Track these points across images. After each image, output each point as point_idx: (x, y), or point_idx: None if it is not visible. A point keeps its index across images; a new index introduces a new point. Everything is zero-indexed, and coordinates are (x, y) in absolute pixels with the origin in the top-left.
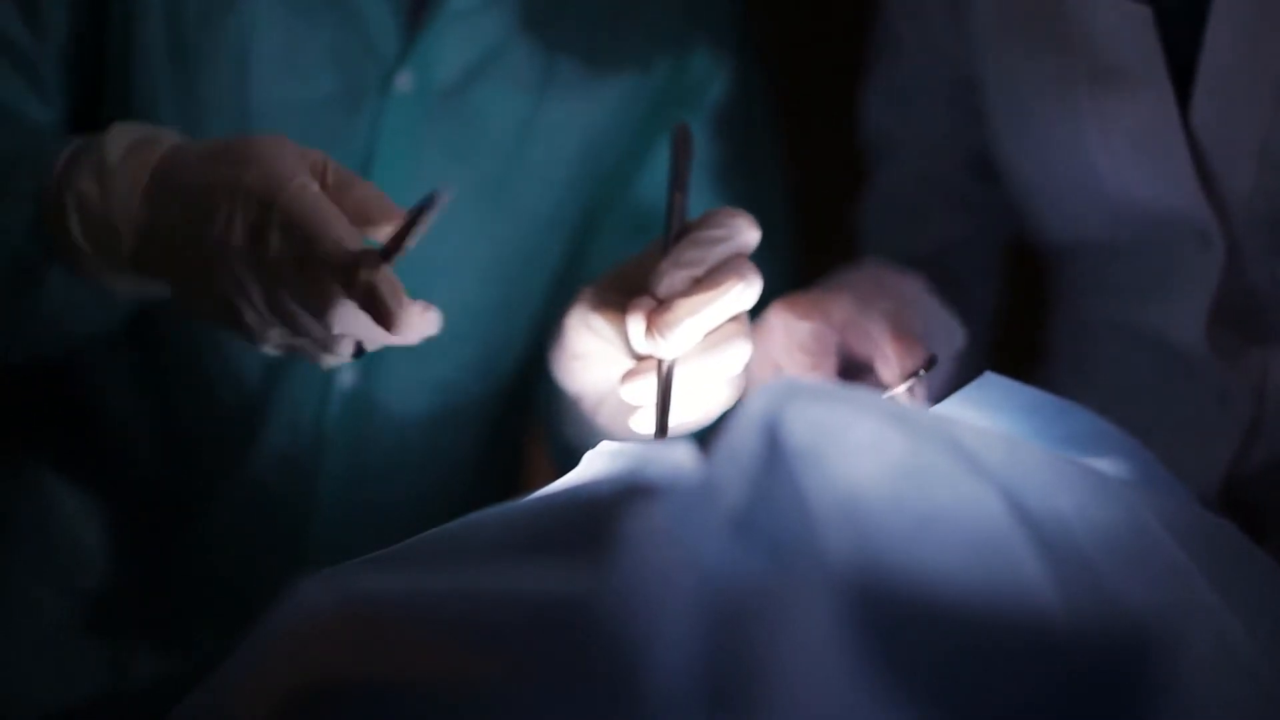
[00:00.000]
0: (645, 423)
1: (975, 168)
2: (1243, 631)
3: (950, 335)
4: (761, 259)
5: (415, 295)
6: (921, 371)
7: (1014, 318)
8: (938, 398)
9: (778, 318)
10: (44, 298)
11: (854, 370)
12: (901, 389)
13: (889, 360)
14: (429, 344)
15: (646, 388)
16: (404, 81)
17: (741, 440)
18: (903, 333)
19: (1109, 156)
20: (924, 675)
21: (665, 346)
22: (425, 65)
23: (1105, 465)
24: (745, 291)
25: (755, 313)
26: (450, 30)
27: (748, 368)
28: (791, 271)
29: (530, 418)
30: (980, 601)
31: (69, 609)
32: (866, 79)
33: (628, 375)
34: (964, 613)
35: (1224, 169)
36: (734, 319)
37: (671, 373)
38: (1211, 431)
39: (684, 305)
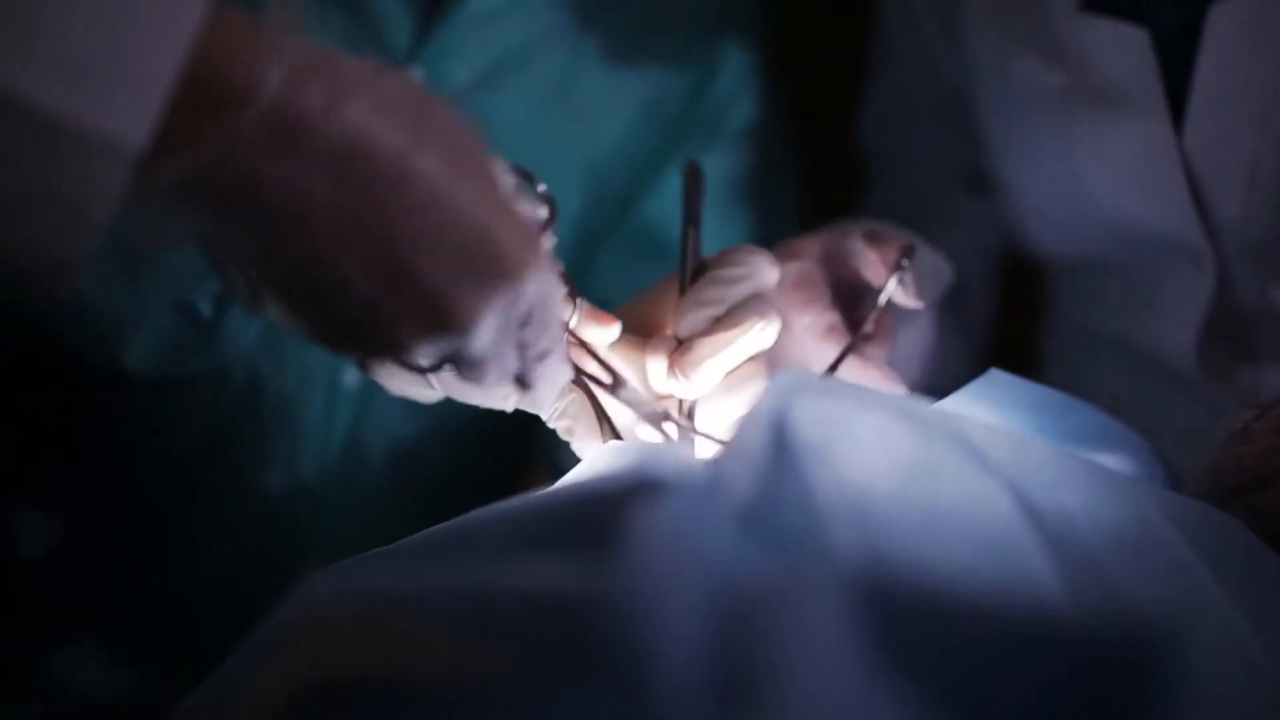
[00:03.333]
0: None
1: (970, 183)
2: (1250, 628)
3: (938, 273)
4: None
5: None
6: (905, 261)
7: (1007, 326)
8: (941, 395)
9: None
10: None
11: (848, 293)
12: (891, 284)
13: (871, 262)
14: None
15: (671, 429)
16: (414, 78)
17: (749, 436)
18: (875, 234)
19: (1104, 177)
20: (931, 670)
21: (688, 386)
22: (437, 64)
23: (1111, 461)
24: (765, 330)
25: None
26: (466, 31)
27: None
28: None
29: (529, 430)
30: (987, 597)
31: (60, 608)
32: (863, 95)
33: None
34: (971, 608)
35: (1215, 193)
36: (752, 358)
37: (693, 412)
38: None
39: (706, 345)
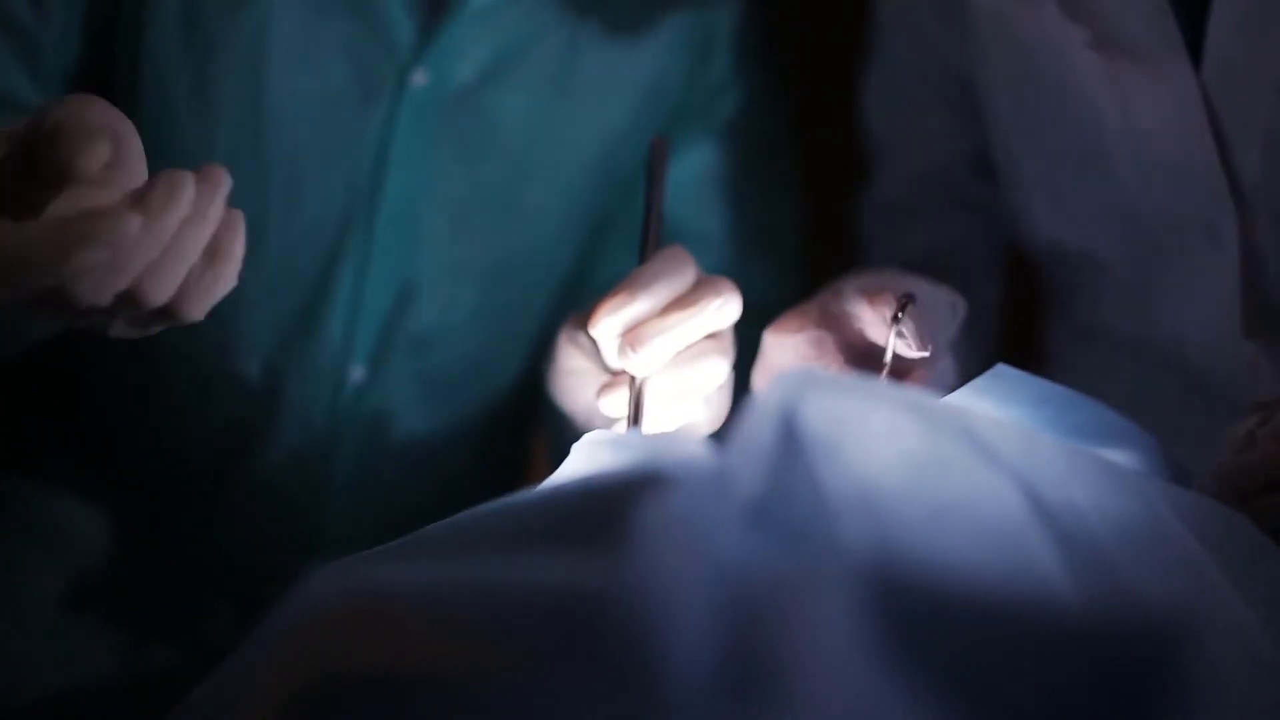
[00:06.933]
0: None
1: (973, 167)
2: (1258, 623)
3: (953, 308)
4: (772, 270)
5: (419, 293)
6: (900, 314)
7: (1013, 320)
8: (950, 387)
9: (767, 342)
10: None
11: (860, 357)
12: (890, 336)
13: (870, 322)
14: (433, 341)
15: (621, 401)
16: (420, 78)
17: (757, 431)
18: (870, 290)
19: (1129, 139)
20: (941, 665)
21: (636, 362)
22: (442, 63)
23: (1117, 456)
24: (722, 309)
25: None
26: (468, 29)
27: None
28: (801, 282)
29: (534, 421)
30: (997, 592)
31: (78, 599)
32: (862, 79)
33: (603, 389)
34: (981, 603)
35: (1232, 159)
36: (712, 336)
37: (643, 388)
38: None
39: (656, 323)
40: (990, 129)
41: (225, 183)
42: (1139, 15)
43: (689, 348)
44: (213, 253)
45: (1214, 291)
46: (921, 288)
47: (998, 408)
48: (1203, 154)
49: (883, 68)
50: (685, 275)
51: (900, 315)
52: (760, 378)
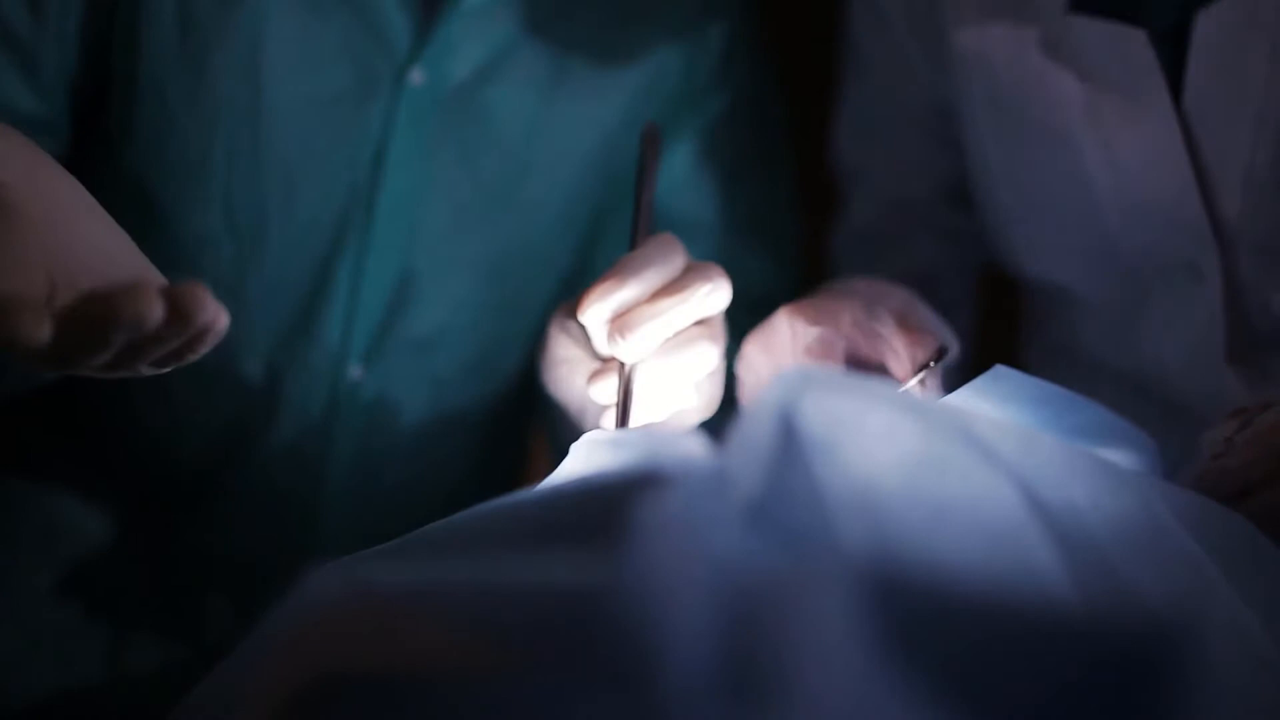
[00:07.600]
0: (612, 422)
1: (949, 195)
2: (1258, 623)
3: (949, 346)
4: (770, 262)
5: (419, 291)
6: (932, 363)
7: (988, 343)
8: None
9: (784, 321)
10: None
11: (862, 368)
12: (913, 382)
13: (899, 355)
14: (431, 339)
15: (610, 388)
16: (417, 77)
17: (756, 430)
18: (911, 326)
19: (1110, 177)
20: (940, 665)
21: (624, 349)
22: (438, 61)
23: (1115, 456)
24: (711, 295)
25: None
26: (463, 27)
27: (754, 369)
28: (799, 275)
29: (533, 416)
30: (995, 591)
31: (76, 598)
32: (835, 104)
33: (593, 376)
34: (979, 603)
35: (1213, 195)
36: (703, 323)
37: (632, 375)
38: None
39: (645, 309)
40: (970, 164)
41: (202, 312)
42: (1120, 53)
43: (679, 334)
44: (181, 350)
45: (1195, 324)
46: (931, 316)
47: (997, 408)
48: (1184, 192)
49: (858, 93)
50: (675, 261)
51: (932, 365)
52: (755, 346)
